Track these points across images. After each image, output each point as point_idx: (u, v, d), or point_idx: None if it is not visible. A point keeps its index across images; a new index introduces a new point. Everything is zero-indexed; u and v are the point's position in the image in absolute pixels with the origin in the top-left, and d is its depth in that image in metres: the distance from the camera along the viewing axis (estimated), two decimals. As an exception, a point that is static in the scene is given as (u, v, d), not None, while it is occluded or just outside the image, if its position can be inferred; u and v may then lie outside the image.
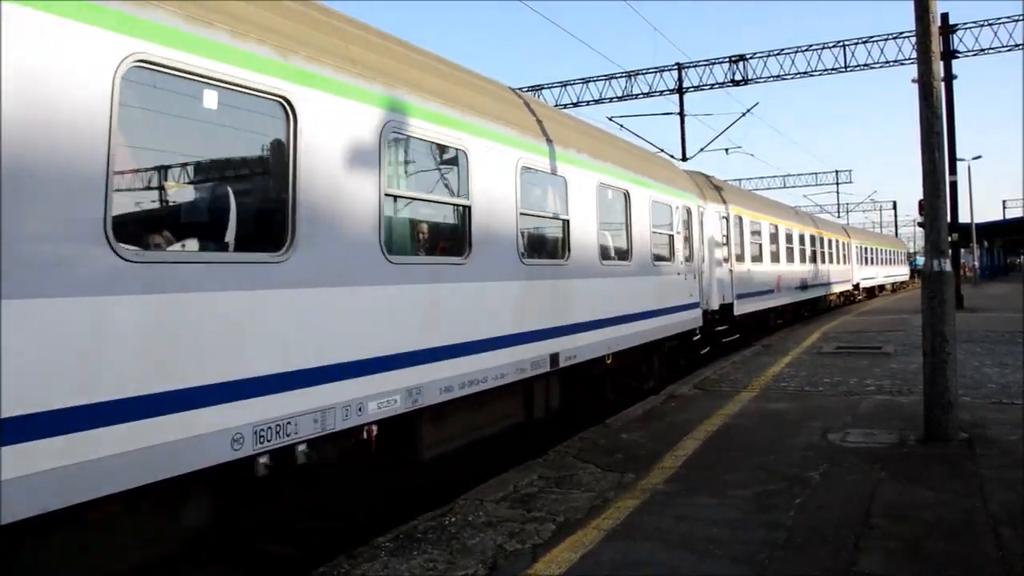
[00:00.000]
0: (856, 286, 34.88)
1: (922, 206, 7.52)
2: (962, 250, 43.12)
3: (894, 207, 75.18)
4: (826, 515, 5.14)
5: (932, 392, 7.02)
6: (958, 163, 26.46)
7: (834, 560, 4.38)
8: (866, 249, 37.96)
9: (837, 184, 60.25)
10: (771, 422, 8.20)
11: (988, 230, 61.48)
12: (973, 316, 20.80)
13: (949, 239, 7.73)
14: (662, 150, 22.20)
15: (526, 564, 4.53)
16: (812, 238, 25.20)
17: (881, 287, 43.01)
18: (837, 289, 30.00)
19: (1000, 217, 76.41)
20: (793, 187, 61.29)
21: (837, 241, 30.13)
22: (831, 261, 28.45)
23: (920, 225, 41.89)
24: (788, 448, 7.01)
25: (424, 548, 4.84)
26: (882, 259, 43.09)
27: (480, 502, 5.78)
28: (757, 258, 17.87)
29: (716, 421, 8.33)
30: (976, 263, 58.78)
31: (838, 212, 66.80)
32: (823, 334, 17.99)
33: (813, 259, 25.14)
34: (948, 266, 7.19)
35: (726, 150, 42.89)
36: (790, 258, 21.75)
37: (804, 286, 23.33)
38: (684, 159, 28.62)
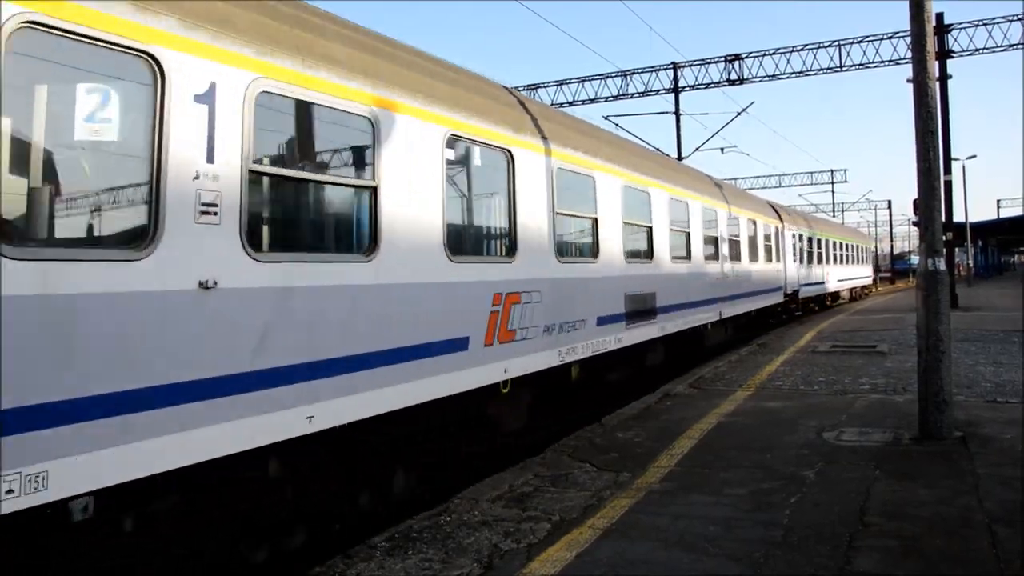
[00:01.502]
0: (793, 296, 22.30)
1: (917, 205, 7.52)
2: (956, 249, 43.08)
3: (889, 206, 75.41)
4: (822, 513, 5.15)
5: (927, 391, 7.04)
6: (953, 162, 26.50)
7: (830, 558, 4.38)
8: (812, 241, 25.21)
9: (832, 183, 60.42)
10: (766, 421, 8.21)
11: (983, 229, 61.73)
12: (967, 315, 20.85)
13: (944, 238, 7.75)
14: (658, 149, 22.05)
15: (521, 563, 4.52)
16: (695, 211, 13.25)
17: (834, 295, 30.60)
18: (751, 305, 17.53)
19: (995, 216, 76.67)
20: (789, 186, 61.60)
21: (757, 224, 18.43)
22: (741, 258, 16.57)
23: (915, 224, 41.73)
24: (784, 446, 7.02)
25: (419, 547, 4.84)
26: (838, 256, 30.55)
27: (475, 501, 5.77)
28: (428, 246, 6.05)
29: (711, 420, 8.34)
30: (971, 262, 59.03)
31: (833, 211, 66.99)
32: (818, 333, 18.03)
33: (688, 253, 12.85)
34: (943, 265, 7.21)
35: (722, 149, 43.10)
36: (599, 248, 9.29)
37: (644, 311, 10.46)
38: (680, 158, 28.64)
